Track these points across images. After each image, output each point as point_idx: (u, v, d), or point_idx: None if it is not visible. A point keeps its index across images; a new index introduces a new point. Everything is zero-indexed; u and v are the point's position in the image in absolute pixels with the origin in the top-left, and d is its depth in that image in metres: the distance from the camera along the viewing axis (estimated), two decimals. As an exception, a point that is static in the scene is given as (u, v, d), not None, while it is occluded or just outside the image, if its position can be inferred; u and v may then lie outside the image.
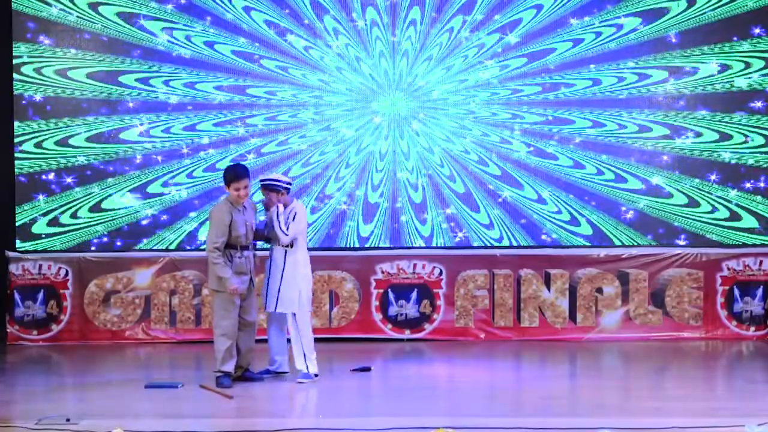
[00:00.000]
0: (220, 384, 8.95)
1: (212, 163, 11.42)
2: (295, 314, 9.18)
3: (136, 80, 11.37)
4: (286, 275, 9.16)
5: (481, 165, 11.51)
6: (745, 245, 11.52)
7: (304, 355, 9.19)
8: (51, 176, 11.37)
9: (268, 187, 9.22)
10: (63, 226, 11.40)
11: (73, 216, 11.39)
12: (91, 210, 11.41)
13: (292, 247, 9.18)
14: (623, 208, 11.51)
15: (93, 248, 11.38)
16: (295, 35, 11.42)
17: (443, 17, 11.43)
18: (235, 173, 9.04)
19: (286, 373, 9.36)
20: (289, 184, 9.33)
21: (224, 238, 8.95)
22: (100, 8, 11.33)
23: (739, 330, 11.51)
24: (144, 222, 11.43)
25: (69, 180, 11.37)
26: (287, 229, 9.09)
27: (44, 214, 11.38)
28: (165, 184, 11.44)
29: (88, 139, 11.38)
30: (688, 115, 11.47)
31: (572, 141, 11.51)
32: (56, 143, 11.37)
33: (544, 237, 11.52)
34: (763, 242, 11.54)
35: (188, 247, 11.42)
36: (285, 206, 9.20)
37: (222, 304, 9.05)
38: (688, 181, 11.50)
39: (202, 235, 11.35)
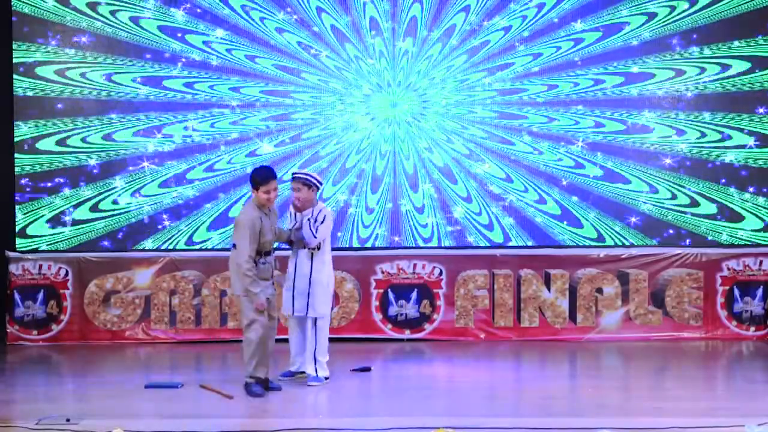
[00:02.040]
0: (251, 392, 8.64)
1: (212, 163, 11.43)
2: (316, 318, 9.12)
3: (136, 80, 11.37)
4: (314, 279, 9.08)
5: (483, 166, 11.50)
6: (745, 245, 11.52)
7: (315, 360, 9.14)
8: (51, 176, 11.37)
9: (302, 180, 9.02)
10: (63, 226, 11.39)
11: (74, 216, 11.38)
12: (91, 210, 11.40)
13: (318, 249, 9.12)
14: (629, 213, 11.50)
15: (95, 247, 11.40)
16: (296, 36, 11.42)
17: (444, 17, 11.42)
18: (264, 176, 8.71)
19: (305, 372, 9.26)
20: (320, 183, 9.26)
21: (256, 245, 8.63)
22: (100, 8, 11.32)
23: (739, 330, 11.50)
24: (144, 222, 11.43)
25: (69, 180, 11.37)
26: (316, 231, 9.03)
27: (44, 214, 11.38)
28: (165, 184, 11.44)
29: (87, 140, 11.37)
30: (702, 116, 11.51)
31: (576, 142, 11.50)
32: (56, 143, 11.36)
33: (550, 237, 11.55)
34: (763, 242, 11.54)
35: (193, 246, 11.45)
36: (313, 205, 9.14)
37: (251, 310, 8.70)
38: (693, 182, 11.50)
39: (203, 236, 11.38)
